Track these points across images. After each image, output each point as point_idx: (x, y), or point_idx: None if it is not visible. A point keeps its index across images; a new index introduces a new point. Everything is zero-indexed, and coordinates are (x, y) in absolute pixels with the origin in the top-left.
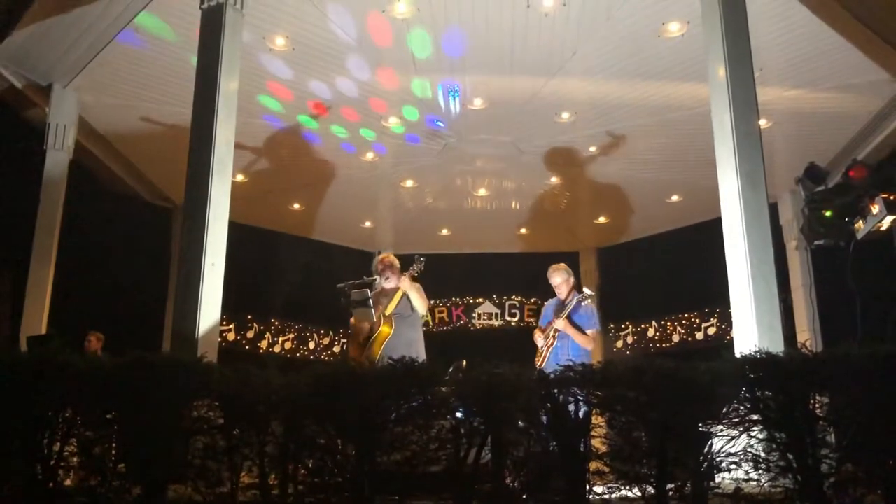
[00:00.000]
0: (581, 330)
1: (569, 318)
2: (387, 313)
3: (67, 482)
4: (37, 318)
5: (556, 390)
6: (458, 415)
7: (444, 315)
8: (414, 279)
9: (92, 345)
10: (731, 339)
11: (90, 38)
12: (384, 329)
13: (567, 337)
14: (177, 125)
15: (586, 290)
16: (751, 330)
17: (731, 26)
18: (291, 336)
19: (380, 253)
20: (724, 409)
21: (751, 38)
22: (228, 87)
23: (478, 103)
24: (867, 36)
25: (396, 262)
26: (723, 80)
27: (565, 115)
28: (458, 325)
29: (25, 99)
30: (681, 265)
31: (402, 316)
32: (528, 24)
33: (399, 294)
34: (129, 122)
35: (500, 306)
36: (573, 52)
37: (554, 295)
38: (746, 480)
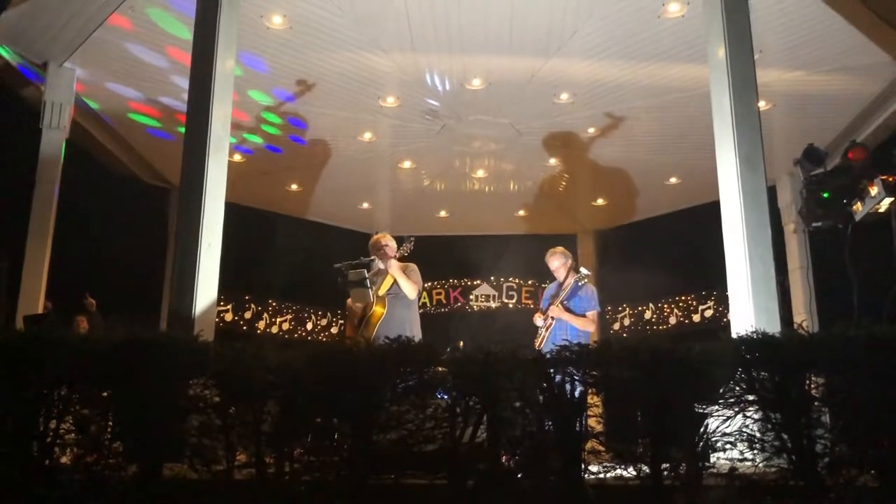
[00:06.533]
0: (578, 314)
1: (564, 303)
2: (380, 294)
3: (64, 460)
4: (34, 298)
5: (552, 370)
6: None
7: (442, 297)
8: (403, 259)
9: (81, 325)
10: (729, 321)
11: (86, 14)
12: (377, 309)
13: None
14: (172, 105)
15: (583, 270)
16: (748, 312)
17: (732, 7)
18: (289, 317)
19: (377, 233)
20: (720, 390)
21: (751, 20)
22: (225, 65)
23: (476, 83)
24: (868, 17)
25: (391, 243)
26: (722, 61)
27: (564, 97)
28: (455, 306)
29: (21, 77)
30: (679, 248)
31: (396, 296)
32: (528, 3)
33: (391, 275)
34: (125, 101)
35: (498, 288)
36: (573, 32)
37: (554, 278)
38: (741, 460)
